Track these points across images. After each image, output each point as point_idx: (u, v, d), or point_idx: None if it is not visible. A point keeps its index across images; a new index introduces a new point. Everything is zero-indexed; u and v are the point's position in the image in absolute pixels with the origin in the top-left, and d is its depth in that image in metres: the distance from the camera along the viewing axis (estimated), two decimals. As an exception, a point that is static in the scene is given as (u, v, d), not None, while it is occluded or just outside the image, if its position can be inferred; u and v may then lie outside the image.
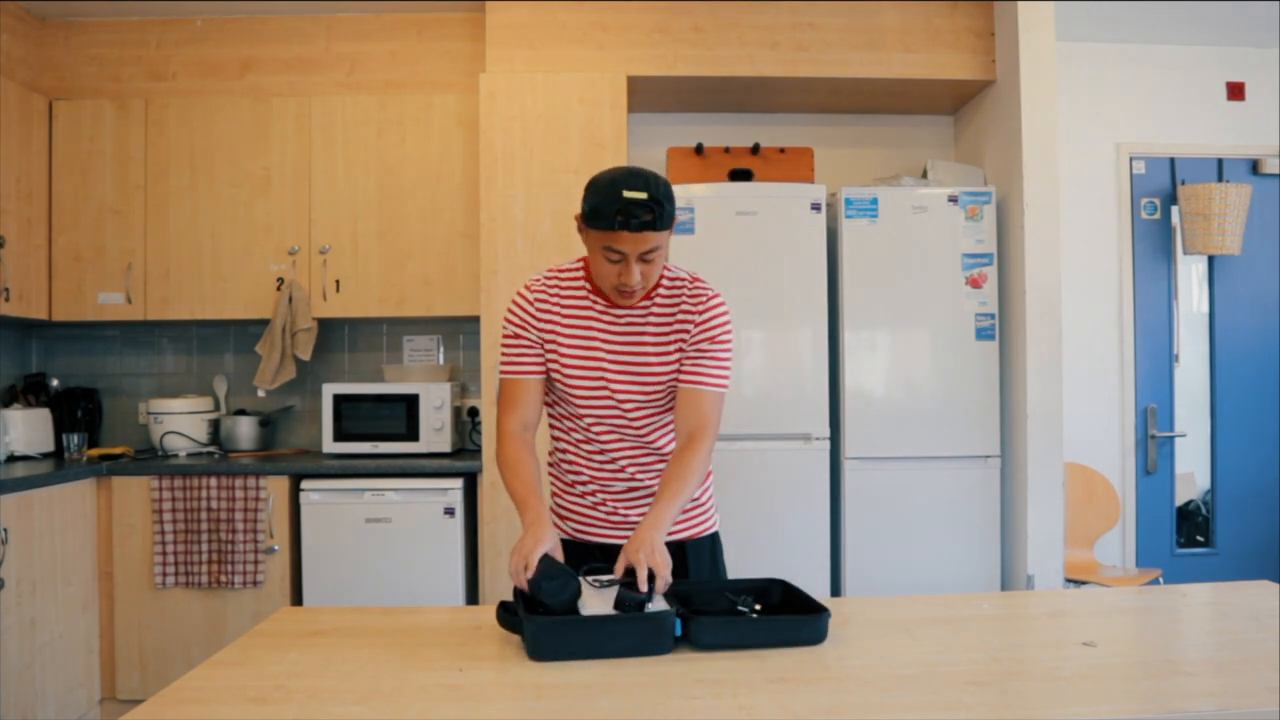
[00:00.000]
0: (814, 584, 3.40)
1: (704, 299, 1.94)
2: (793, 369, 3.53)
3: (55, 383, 4.01)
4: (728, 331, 1.94)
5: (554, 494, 2.09)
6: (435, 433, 3.69)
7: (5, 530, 2.96)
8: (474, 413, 3.99)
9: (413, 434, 3.70)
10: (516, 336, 1.96)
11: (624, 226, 1.75)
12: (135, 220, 3.81)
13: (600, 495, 2.01)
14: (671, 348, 1.93)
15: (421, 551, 3.47)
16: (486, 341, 3.55)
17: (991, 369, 3.57)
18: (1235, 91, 4.22)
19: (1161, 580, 3.70)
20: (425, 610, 1.93)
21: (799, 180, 3.67)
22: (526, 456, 1.93)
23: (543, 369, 1.97)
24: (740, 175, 3.69)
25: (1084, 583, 3.62)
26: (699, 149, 3.73)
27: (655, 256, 1.82)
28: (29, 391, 3.92)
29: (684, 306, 1.93)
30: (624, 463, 1.99)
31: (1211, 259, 4.21)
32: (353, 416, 3.72)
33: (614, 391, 1.93)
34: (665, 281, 1.95)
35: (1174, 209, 4.19)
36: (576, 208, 3.61)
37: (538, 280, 1.98)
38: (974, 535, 3.55)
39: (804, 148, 3.77)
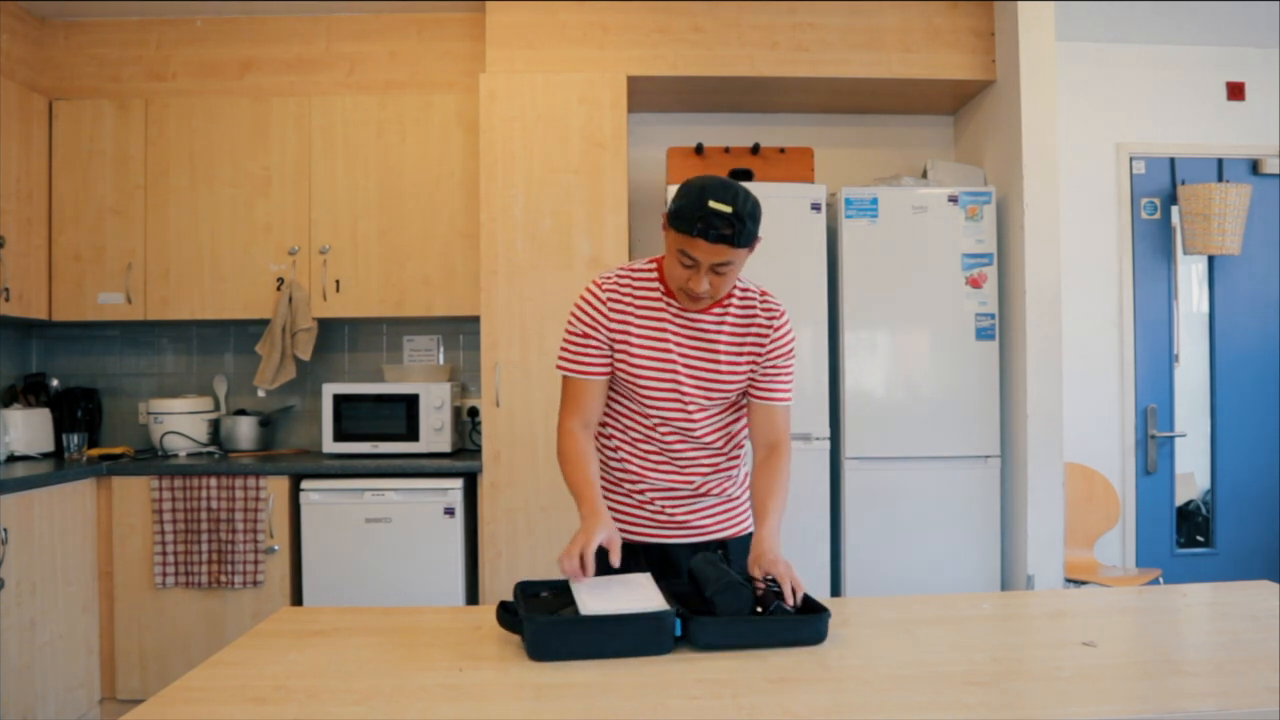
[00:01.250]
0: (814, 584, 3.40)
1: (776, 315, 1.98)
2: (793, 369, 3.52)
3: (55, 383, 4.01)
4: (793, 345, 2.01)
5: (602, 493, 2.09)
6: (435, 433, 3.69)
7: (5, 530, 2.96)
8: (474, 413, 3.99)
9: (413, 434, 3.70)
10: (586, 335, 1.95)
11: (701, 235, 1.76)
12: (135, 220, 3.81)
13: (649, 494, 2.03)
14: (744, 358, 1.96)
15: (421, 551, 3.47)
16: (486, 341, 3.55)
17: (991, 369, 3.57)
18: (1235, 91, 4.22)
19: (1161, 580, 3.70)
20: (425, 610, 1.94)
21: (799, 180, 3.67)
22: (587, 450, 1.95)
23: (609, 369, 1.97)
24: (740, 175, 3.68)
25: (1084, 583, 3.62)
26: (699, 149, 3.73)
27: (728, 271, 1.83)
28: (29, 391, 3.92)
29: (759, 321, 1.96)
30: (684, 462, 2.01)
31: (1211, 259, 4.21)
32: (353, 416, 3.72)
33: (683, 393, 1.95)
34: (738, 291, 1.97)
35: (1174, 209, 4.19)
36: (577, 208, 3.64)
37: (609, 279, 1.98)
38: (974, 535, 3.55)
39: (804, 148, 3.77)
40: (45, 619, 3.16)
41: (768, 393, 1.98)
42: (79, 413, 3.94)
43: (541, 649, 1.57)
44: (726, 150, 3.74)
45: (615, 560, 1.77)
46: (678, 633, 1.61)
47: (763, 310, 1.97)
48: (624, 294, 1.95)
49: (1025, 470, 3.48)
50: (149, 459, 3.67)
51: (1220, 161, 4.21)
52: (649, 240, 4.06)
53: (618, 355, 1.95)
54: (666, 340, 1.94)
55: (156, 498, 3.45)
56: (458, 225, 3.81)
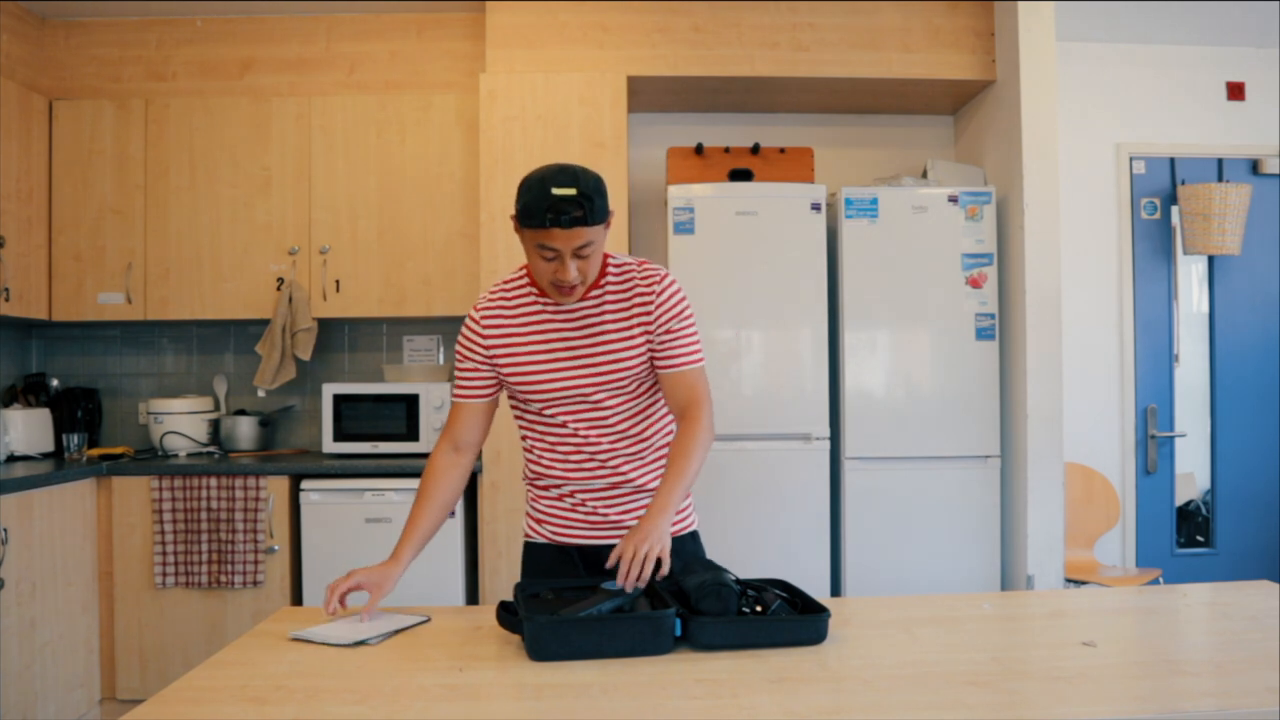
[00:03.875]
0: (814, 584, 3.41)
1: (656, 280, 1.92)
2: (793, 369, 3.53)
3: (55, 383, 4.01)
4: (687, 305, 1.94)
5: (531, 500, 2.07)
6: (435, 433, 3.69)
7: (5, 530, 2.96)
8: (474, 413, 3.99)
9: (413, 434, 3.70)
10: (463, 359, 1.97)
11: (555, 224, 1.74)
12: (135, 220, 3.82)
13: (579, 495, 1.99)
14: (635, 332, 1.91)
15: (421, 552, 3.46)
16: (486, 341, 3.55)
17: (991, 369, 3.57)
18: (1235, 91, 4.22)
19: (1161, 580, 3.70)
20: (425, 610, 1.93)
21: (799, 180, 3.67)
22: (437, 483, 1.99)
23: (488, 391, 1.97)
24: (740, 175, 3.69)
25: (1084, 583, 3.62)
26: (699, 149, 3.73)
27: (590, 252, 1.80)
28: (29, 391, 3.92)
29: (638, 290, 1.91)
30: (605, 457, 1.96)
31: (1211, 259, 4.21)
32: (353, 416, 3.72)
33: (580, 386, 1.91)
34: (612, 269, 1.93)
35: (1174, 209, 4.19)
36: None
37: (483, 299, 1.98)
38: (974, 535, 3.55)
39: (804, 148, 3.77)
40: (45, 619, 3.16)
41: (670, 359, 1.91)
42: (79, 413, 3.94)
43: (542, 649, 1.57)
44: (726, 150, 3.74)
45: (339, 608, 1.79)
46: (678, 632, 1.61)
47: (641, 279, 1.92)
48: (497, 309, 1.95)
49: (1025, 470, 3.48)
50: (149, 459, 3.67)
51: (1220, 161, 4.21)
52: (649, 240, 4.06)
53: (504, 370, 1.93)
54: (550, 340, 1.91)
55: (156, 498, 3.45)
56: (457, 225, 3.81)
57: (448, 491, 1.99)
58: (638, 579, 1.68)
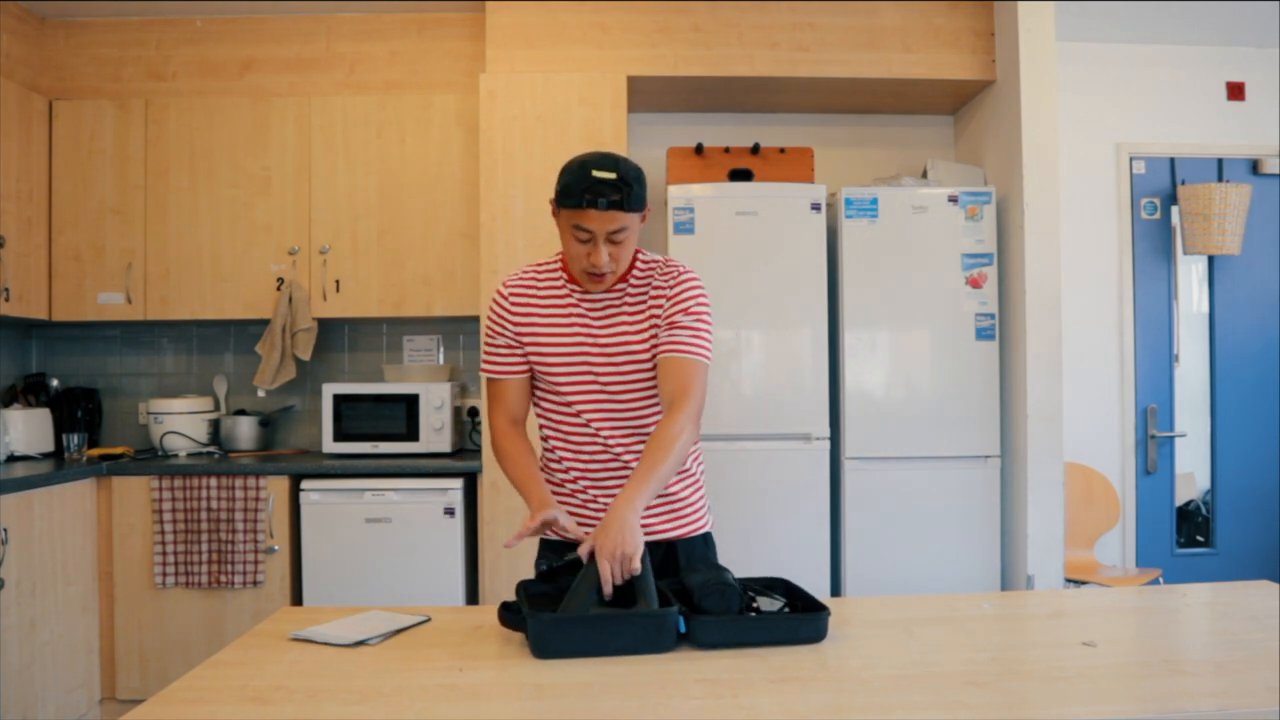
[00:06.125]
0: (814, 584, 3.40)
1: (674, 274, 1.96)
2: (793, 369, 3.53)
3: (55, 383, 4.01)
4: (702, 303, 1.94)
5: None
6: (435, 433, 3.69)
7: (5, 530, 2.96)
8: (474, 413, 3.99)
9: (413, 434, 3.70)
10: (494, 335, 2.00)
11: (591, 205, 1.79)
12: (135, 220, 3.81)
13: (591, 491, 2.00)
14: (645, 325, 1.94)
15: (421, 551, 3.47)
16: (486, 341, 3.55)
17: (991, 369, 3.57)
18: (1235, 91, 4.22)
19: (1161, 580, 3.70)
20: (425, 610, 1.93)
21: (799, 180, 3.67)
22: (520, 444, 1.98)
23: (522, 367, 2.00)
24: (740, 175, 3.69)
25: (1084, 583, 3.62)
26: (699, 149, 3.73)
27: (624, 238, 1.85)
28: (29, 391, 3.92)
29: (654, 283, 1.95)
30: (619, 449, 1.98)
31: (1211, 259, 4.21)
32: (353, 416, 3.72)
33: (598, 375, 1.95)
34: (639, 263, 1.97)
35: (1174, 209, 4.19)
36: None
37: (514, 276, 2.02)
38: (974, 535, 3.55)
39: (804, 148, 3.77)
40: (45, 619, 3.16)
41: (668, 345, 1.91)
42: (79, 413, 3.94)
43: (545, 647, 1.57)
44: (726, 150, 3.74)
45: (575, 531, 1.79)
46: (682, 629, 1.61)
47: (660, 275, 1.96)
48: (527, 289, 1.99)
49: (1025, 470, 3.48)
50: (149, 459, 3.67)
51: (1220, 161, 4.21)
52: (649, 240, 4.04)
53: (529, 350, 1.97)
54: (574, 325, 1.95)
55: (156, 498, 3.45)
56: (457, 225, 3.81)
57: (530, 449, 2.00)
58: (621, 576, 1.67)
